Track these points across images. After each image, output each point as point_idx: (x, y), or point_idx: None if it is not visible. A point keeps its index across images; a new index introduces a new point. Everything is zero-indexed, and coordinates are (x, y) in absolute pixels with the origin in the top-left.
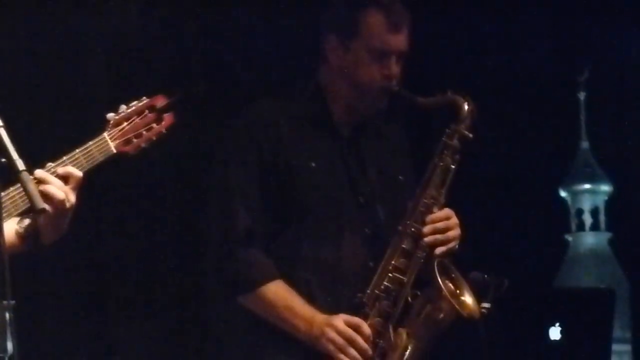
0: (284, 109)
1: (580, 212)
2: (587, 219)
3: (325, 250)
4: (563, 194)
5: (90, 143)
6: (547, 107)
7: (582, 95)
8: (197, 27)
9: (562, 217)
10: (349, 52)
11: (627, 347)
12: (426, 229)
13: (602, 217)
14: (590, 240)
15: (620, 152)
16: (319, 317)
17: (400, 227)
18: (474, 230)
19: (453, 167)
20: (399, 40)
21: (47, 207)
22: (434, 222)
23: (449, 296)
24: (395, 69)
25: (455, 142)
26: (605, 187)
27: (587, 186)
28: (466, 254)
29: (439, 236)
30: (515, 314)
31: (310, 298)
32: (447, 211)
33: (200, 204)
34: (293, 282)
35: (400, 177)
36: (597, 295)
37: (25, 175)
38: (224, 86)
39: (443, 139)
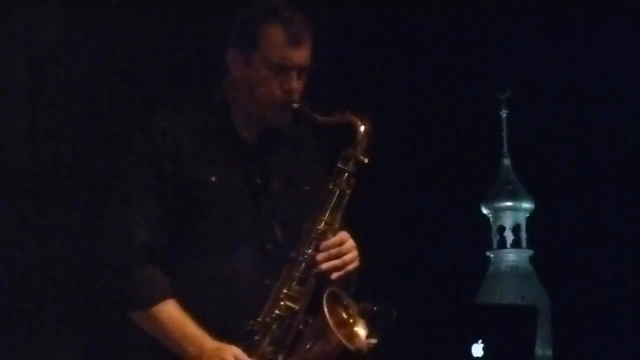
0: (186, 119)
1: (501, 229)
2: (509, 236)
3: (221, 267)
4: (485, 210)
5: None
6: (469, 124)
7: (504, 113)
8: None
9: (484, 234)
10: (249, 66)
11: None
12: (320, 255)
13: (523, 234)
14: (511, 257)
15: (541, 170)
16: (209, 344)
17: (293, 254)
18: (394, 247)
19: (348, 192)
20: (300, 55)
21: None
22: (328, 248)
23: (334, 329)
24: (296, 84)
25: (350, 166)
26: (527, 205)
27: (508, 203)
28: (368, 278)
29: (334, 262)
30: (438, 330)
31: (204, 316)
32: (341, 235)
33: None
34: (189, 300)
35: (306, 188)
36: (520, 313)
37: None
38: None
39: (338, 164)
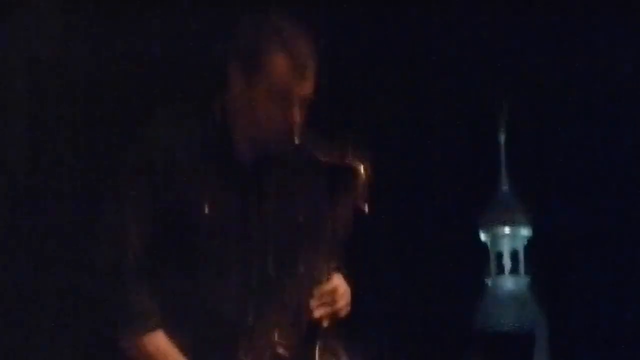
0: (184, 135)
1: (499, 255)
2: (507, 263)
3: (206, 298)
4: (483, 237)
5: None
6: (467, 149)
7: (502, 139)
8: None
9: (482, 260)
10: (250, 86)
11: None
12: (313, 303)
13: (521, 261)
14: (509, 283)
15: (540, 196)
16: None
17: (285, 299)
18: (392, 273)
19: (346, 237)
20: (304, 86)
21: None
22: (321, 295)
23: None
24: (297, 115)
25: (348, 213)
26: (525, 231)
27: (506, 230)
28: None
29: (327, 309)
30: (436, 357)
31: (188, 350)
32: (334, 282)
33: None
34: (175, 330)
35: (300, 218)
36: (517, 339)
37: None
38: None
39: (336, 210)
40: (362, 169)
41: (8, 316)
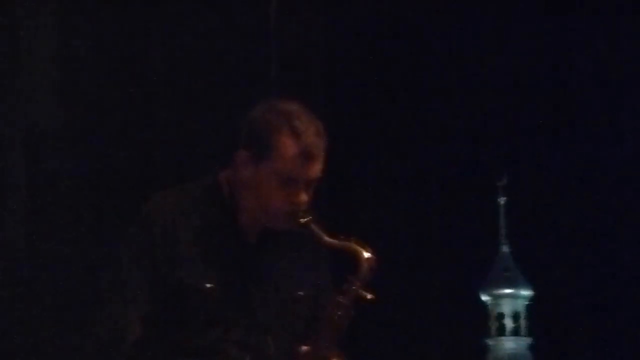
0: (188, 211)
1: (501, 316)
2: (508, 324)
3: None
4: (483, 297)
5: None
6: (467, 211)
7: (502, 200)
8: None
9: (483, 321)
10: (258, 171)
11: None
12: None
13: (522, 322)
14: (510, 345)
15: (540, 257)
16: None
17: None
18: (394, 335)
19: (346, 321)
20: (311, 170)
21: None
22: None
23: None
24: (303, 197)
25: (350, 300)
26: (526, 292)
27: (507, 290)
28: None
29: None
30: None
31: None
32: None
33: None
34: None
35: (300, 293)
36: None
37: None
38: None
39: (338, 298)
40: (365, 253)
41: None
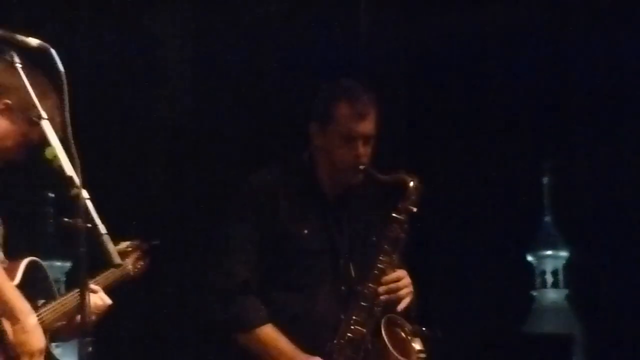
0: (281, 180)
1: (543, 272)
2: (549, 279)
3: (305, 304)
4: (529, 258)
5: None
6: (517, 189)
7: (545, 180)
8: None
9: (529, 277)
10: (326, 136)
11: None
12: (381, 289)
13: (560, 277)
14: (551, 295)
15: (575, 226)
16: (300, 357)
17: (359, 288)
18: (455, 288)
19: (403, 235)
20: (365, 127)
21: (121, 262)
22: (387, 283)
23: (391, 349)
24: (362, 150)
25: (402, 216)
26: (564, 253)
27: (548, 252)
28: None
29: (392, 295)
30: (489, 356)
31: (294, 340)
32: (399, 273)
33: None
34: (282, 328)
35: (373, 239)
36: (558, 340)
37: (106, 238)
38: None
39: (392, 214)
40: (411, 180)
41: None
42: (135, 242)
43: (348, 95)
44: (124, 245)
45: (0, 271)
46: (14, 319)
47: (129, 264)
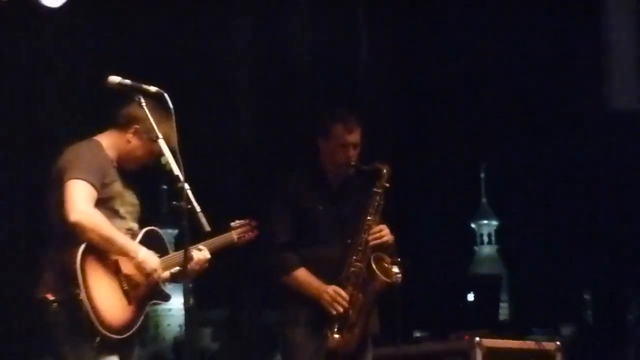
0: (303, 177)
1: (481, 235)
2: (485, 239)
3: (325, 253)
4: (472, 225)
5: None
6: (463, 182)
7: (482, 175)
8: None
9: (472, 237)
10: (328, 145)
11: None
12: (370, 237)
13: (493, 238)
14: (486, 250)
15: (503, 204)
16: (323, 286)
17: (355, 238)
18: (424, 244)
19: (382, 202)
20: (353, 138)
21: (209, 230)
22: (373, 233)
23: (379, 274)
24: (352, 153)
25: (380, 189)
26: (495, 222)
27: (485, 221)
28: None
29: (378, 240)
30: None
31: (317, 276)
32: (381, 226)
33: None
34: (309, 269)
35: (361, 208)
36: (492, 279)
37: (200, 214)
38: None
39: (373, 189)
40: (384, 167)
41: None
42: (246, 220)
43: (340, 118)
44: (237, 222)
45: (110, 227)
46: (129, 256)
47: (234, 235)
